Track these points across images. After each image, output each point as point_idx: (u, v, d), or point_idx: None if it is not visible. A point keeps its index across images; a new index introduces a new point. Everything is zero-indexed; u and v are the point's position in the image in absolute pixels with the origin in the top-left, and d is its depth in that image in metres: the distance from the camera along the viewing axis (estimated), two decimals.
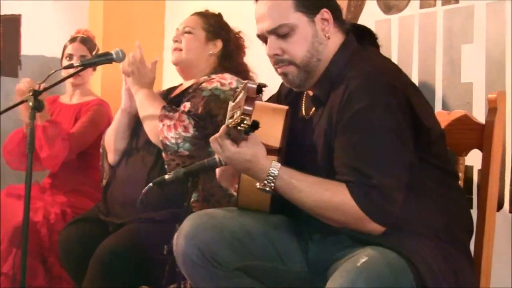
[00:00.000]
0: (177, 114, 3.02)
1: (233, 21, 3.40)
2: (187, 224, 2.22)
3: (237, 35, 3.38)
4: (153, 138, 3.07)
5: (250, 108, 1.97)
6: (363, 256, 1.99)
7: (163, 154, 3.02)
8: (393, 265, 1.99)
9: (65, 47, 3.97)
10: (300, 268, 2.27)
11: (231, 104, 2.10)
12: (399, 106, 2.10)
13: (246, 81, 2.12)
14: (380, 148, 2.07)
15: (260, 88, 2.07)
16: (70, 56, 3.92)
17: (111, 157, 3.27)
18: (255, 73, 3.30)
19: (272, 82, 2.42)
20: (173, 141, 2.98)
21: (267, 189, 2.12)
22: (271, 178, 2.12)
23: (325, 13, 2.24)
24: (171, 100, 3.24)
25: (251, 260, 2.24)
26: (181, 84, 3.39)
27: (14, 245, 3.46)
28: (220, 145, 2.13)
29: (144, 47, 3.26)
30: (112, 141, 3.26)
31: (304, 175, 2.13)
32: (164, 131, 3.00)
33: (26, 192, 2.86)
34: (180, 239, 2.21)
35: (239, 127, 1.99)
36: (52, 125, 3.65)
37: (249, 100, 1.98)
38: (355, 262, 1.98)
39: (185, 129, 2.98)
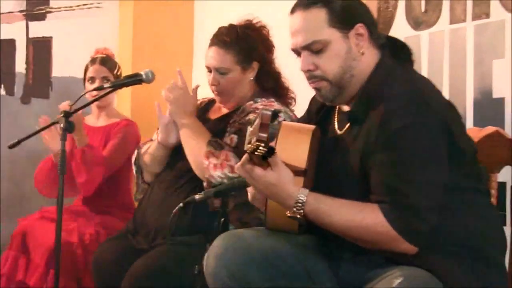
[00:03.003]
0: (223, 153, 2.93)
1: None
2: (217, 245, 2.22)
3: (262, 36, 3.20)
4: (198, 172, 3.01)
5: (264, 135, 1.98)
6: (398, 277, 1.97)
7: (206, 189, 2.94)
8: (428, 285, 1.98)
9: (86, 69, 3.97)
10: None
11: (249, 129, 2.10)
12: (437, 127, 2.09)
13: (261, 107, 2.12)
14: (417, 168, 2.06)
15: (275, 114, 2.07)
16: (92, 79, 3.92)
17: (147, 176, 3.26)
18: (293, 92, 3.20)
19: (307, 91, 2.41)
20: (219, 180, 2.90)
21: (298, 216, 2.10)
22: (300, 205, 2.10)
23: (360, 28, 2.21)
24: (213, 124, 3.15)
25: (280, 280, 2.22)
26: None
27: (50, 266, 3.48)
28: (245, 171, 2.12)
29: (174, 67, 3.24)
30: (148, 165, 3.23)
31: (332, 198, 2.12)
32: (210, 169, 2.93)
33: (58, 213, 2.87)
34: (210, 260, 2.22)
35: (256, 153, 2.01)
36: (90, 149, 3.66)
37: (264, 126, 2.00)
38: (390, 283, 1.97)
39: (232, 169, 2.88)
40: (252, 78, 3.14)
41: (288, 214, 2.12)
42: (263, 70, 3.17)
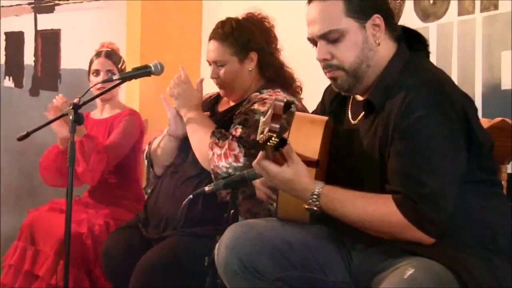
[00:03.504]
0: (227, 142, 2.94)
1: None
2: (228, 235, 2.23)
3: (262, 27, 3.21)
4: (204, 164, 3.03)
5: (276, 126, 1.98)
6: (409, 268, 1.98)
7: (214, 180, 2.95)
8: (440, 277, 1.98)
9: (91, 62, 3.99)
10: (341, 279, 2.25)
11: (262, 119, 2.10)
12: (457, 118, 2.09)
13: (274, 97, 2.12)
14: (435, 157, 2.07)
15: (288, 105, 2.07)
16: (97, 72, 3.95)
17: (157, 169, 3.28)
18: (300, 81, 3.22)
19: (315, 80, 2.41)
20: (224, 170, 2.92)
21: (314, 208, 2.13)
22: (315, 197, 2.12)
23: (377, 18, 2.21)
24: (220, 116, 3.18)
25: (292, 270, 2.23)
26: None
27: (61, 257, 3.50)
28: (262, 168, 2.14)
29: (182, 59, 3.26)
30: (158, 157, 3.25)
31: (346, 190, 2.14)
32: (214, 160, 2.94)
33: (67, 204, 2.89)
34: (221, 250, 2.22)
35: (268, 143, 2.01)
36: (88, 139, 3.68)
37: (276, 117, 1.99)
38: (402, 274, 1.97)
39: (236, 158, 2.91)
40: (251, 69, 3.15)
41: (306, 207, 2.14)
42: (263, 60, 3.18)
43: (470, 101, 2.21)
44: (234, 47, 3.12)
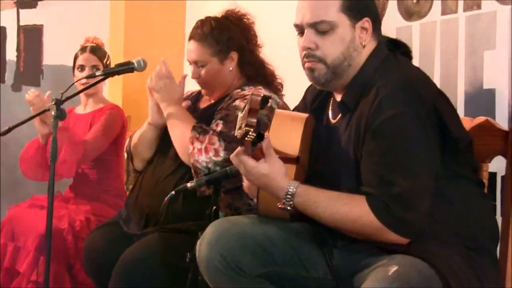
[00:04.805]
0: (207, 137, 2.94)
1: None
2: (210, 231, 2.23)
3: (241, 25, 3.20)
4: (184, 158, 3.02)
5: (253, 120, 1.98)
6: (393, 265, 1.98)
7: (194, 175, 2.96)
8: (423, 274, 1.99)
9: (76, 57, 3.99)
10: (323, 275, 2.26)
11: (239, 114, 2.11)
12: (427, 116, 2.09)
13: (251, 92, 2.13)
14: (407, 156, 2.07)
15: (265, 100, 2.07)
16: (82, 67, 3.95)
17: (137, 164, 3.26)
18: (280, 78, 3.22)
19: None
20: (204, 164, 2.92)
21: (288, 208, 2.14)
22: (289, 196, 2.13)
23: (366, 22, 2.23)
24: (203, 111, 3.18)
25: (274, 267, 2.23)
26: None
27: (41, 253, 3.48)
28: (239, 161, 2.15)
29: (166, 55, 3.24)
30: (139, 149, 3.24)
31: (321, 190, 2.14)
32: (195, 154, 2.94)
33: (49, 199, 2.87)
34: (203, 246, 2.22)
35: (246, 138, 2.02)
36: (60, 131, 3.65)
37: (253, 112, 1.99)
38: (386, 271, 1.97)
39: (216, 152, 2.91)
40: (231, 69, 3.15)
41: (279, 206, 2.15)
42: (244, 59, 3.17)
43: (443, 98, 2.21)
44: (214, 47, 3.11)
